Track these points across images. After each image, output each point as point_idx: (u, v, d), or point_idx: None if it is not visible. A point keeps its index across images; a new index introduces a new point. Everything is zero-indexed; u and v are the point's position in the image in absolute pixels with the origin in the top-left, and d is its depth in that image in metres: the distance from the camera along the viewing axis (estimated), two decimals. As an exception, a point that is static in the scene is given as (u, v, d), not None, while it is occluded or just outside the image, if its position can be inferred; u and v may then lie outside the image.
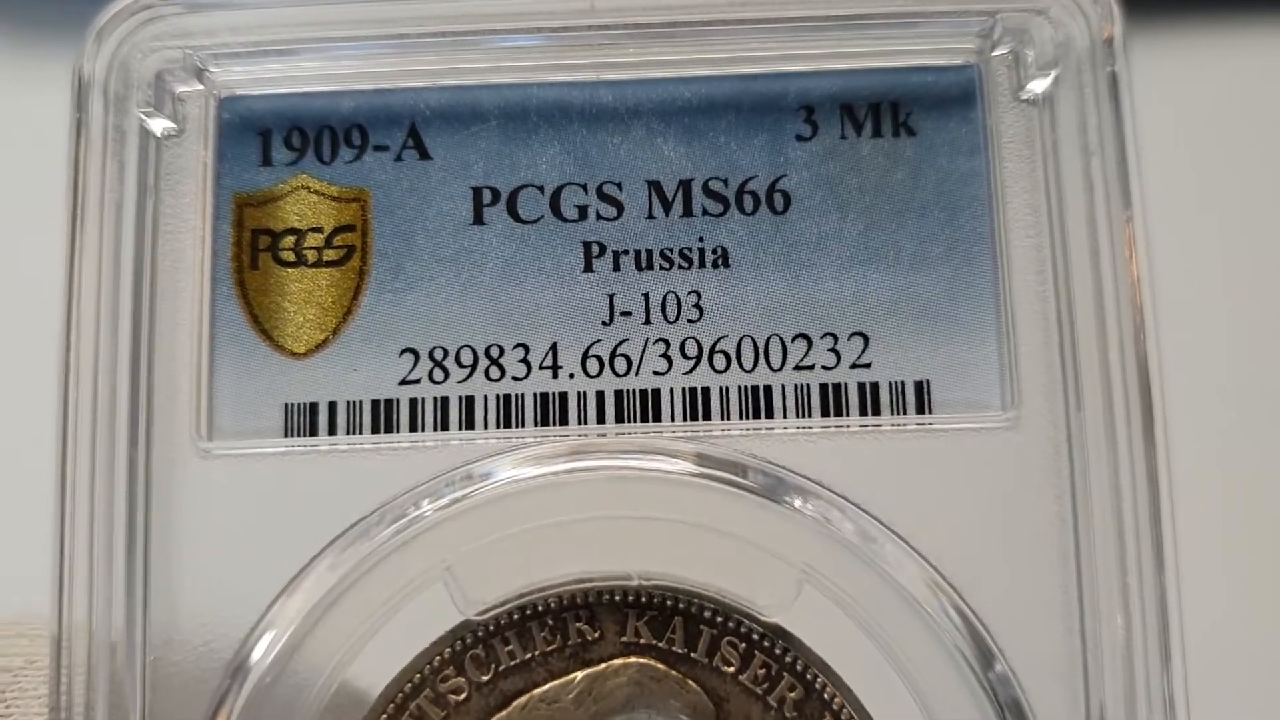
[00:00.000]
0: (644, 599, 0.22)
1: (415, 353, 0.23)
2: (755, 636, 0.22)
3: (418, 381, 0.23)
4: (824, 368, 0.23)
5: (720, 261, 0.23)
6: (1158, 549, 0.22)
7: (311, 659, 0.22)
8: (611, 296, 0.23)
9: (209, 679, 0.22)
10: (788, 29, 0.23)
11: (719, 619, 0.22)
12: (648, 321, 0.23)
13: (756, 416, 0.23)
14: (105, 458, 0.22)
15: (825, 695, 0.22)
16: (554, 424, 0.23)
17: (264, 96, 0.24)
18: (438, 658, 0.22)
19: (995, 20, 0.23)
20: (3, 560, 0.26)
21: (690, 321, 0.23)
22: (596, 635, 0.22)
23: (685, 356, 0.23)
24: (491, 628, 0.22)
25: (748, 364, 0.23)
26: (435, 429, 0.23)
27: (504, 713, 0.22)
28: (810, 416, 0.23)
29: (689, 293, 0.23)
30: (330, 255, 0.23)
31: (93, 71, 0.23)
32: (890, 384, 0.23)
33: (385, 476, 0.23)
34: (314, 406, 0.23)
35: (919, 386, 0.23)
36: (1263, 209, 0.29)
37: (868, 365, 0.23)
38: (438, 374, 0.23)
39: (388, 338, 0.23)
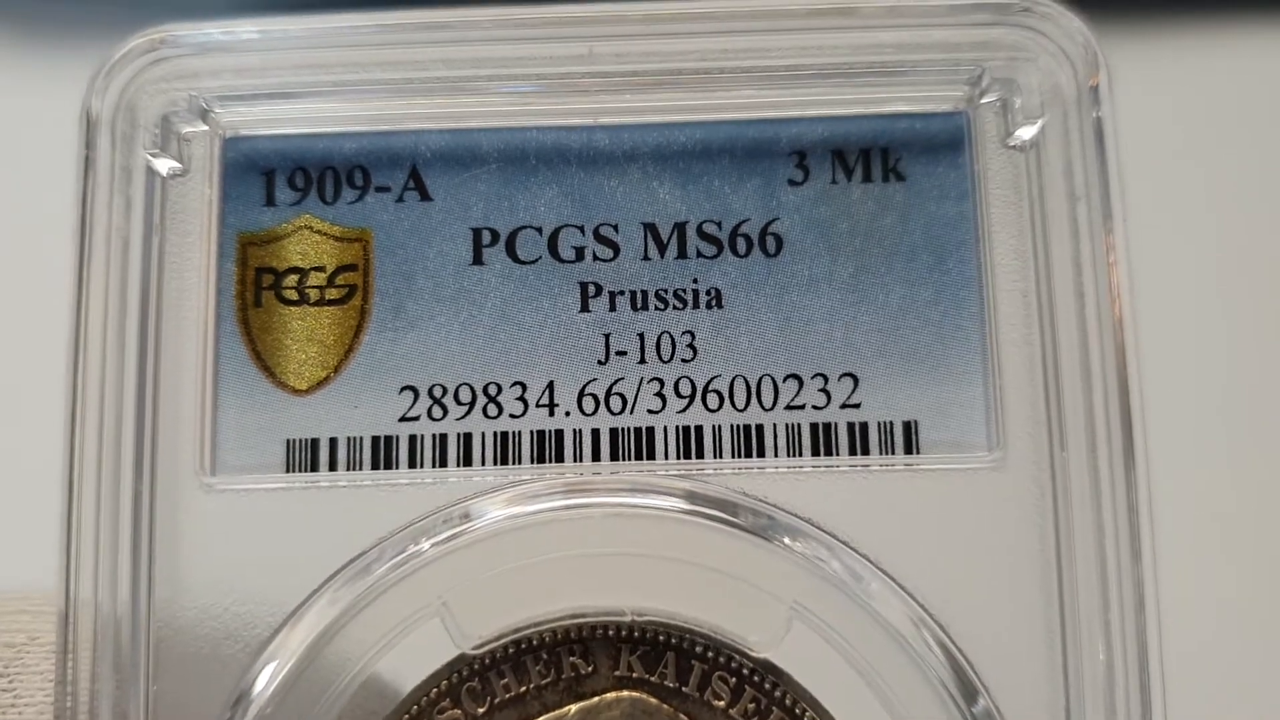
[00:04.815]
0: (637, 634, 0.23)
1: (415, 390, 0.23)
2: (745, 671, 0.23)
3: (417, 418, 0.23)
4: (814, 407, 0.23)
5: (714, 302, 0.24)
6: (1138, 587, 0.22)
7: (311, 690, 0.23)
8: (607, 336, 0.24)
9: (210, 710, 0.23)
10: (781, 78, 0.24)
11: (710, 654, 0.23)
12: (642, 361, 0.24)
13: (748, 455, 0.23)
14: (110, 492, 0.23)
15: (813, 729, 0.22)
16: (550, 461, 0.23)
17: (268, 137, 0.24)
18: (434, 690, 0.23)
19: (983, 69, 0.24)
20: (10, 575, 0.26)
21: (684, 361, 0.23)
22: (590, 669, 0.23)
23: (679, 395, 0.23)
24: (487, 661, 0.23)
25: (740, 403, 0.23)
26: (434, 465, 0.23)
27: (499, 744, 0.23)
28: (801, 455, 0.23)
29: (683, 333, 0.24)
30: (332, 294, 0.24)
31: (100, 111, 0.24)
32: (879, 424, 0.23)
33: (385, 512, 0.23)
34: (315, 442, 0.23)
35: (907, 427, 0.23)
36: (1247, 254, 0.29)
37: (857, 405, 0.23)
38: (436, 411, 0.23)
39: (388, 375, 0.24)
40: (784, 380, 0.23)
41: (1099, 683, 0.22)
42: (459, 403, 0.23)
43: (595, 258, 0.24)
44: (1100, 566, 0.22)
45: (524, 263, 0.24)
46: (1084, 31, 0.23)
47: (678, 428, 0.23)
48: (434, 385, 0.23)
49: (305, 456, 0.23)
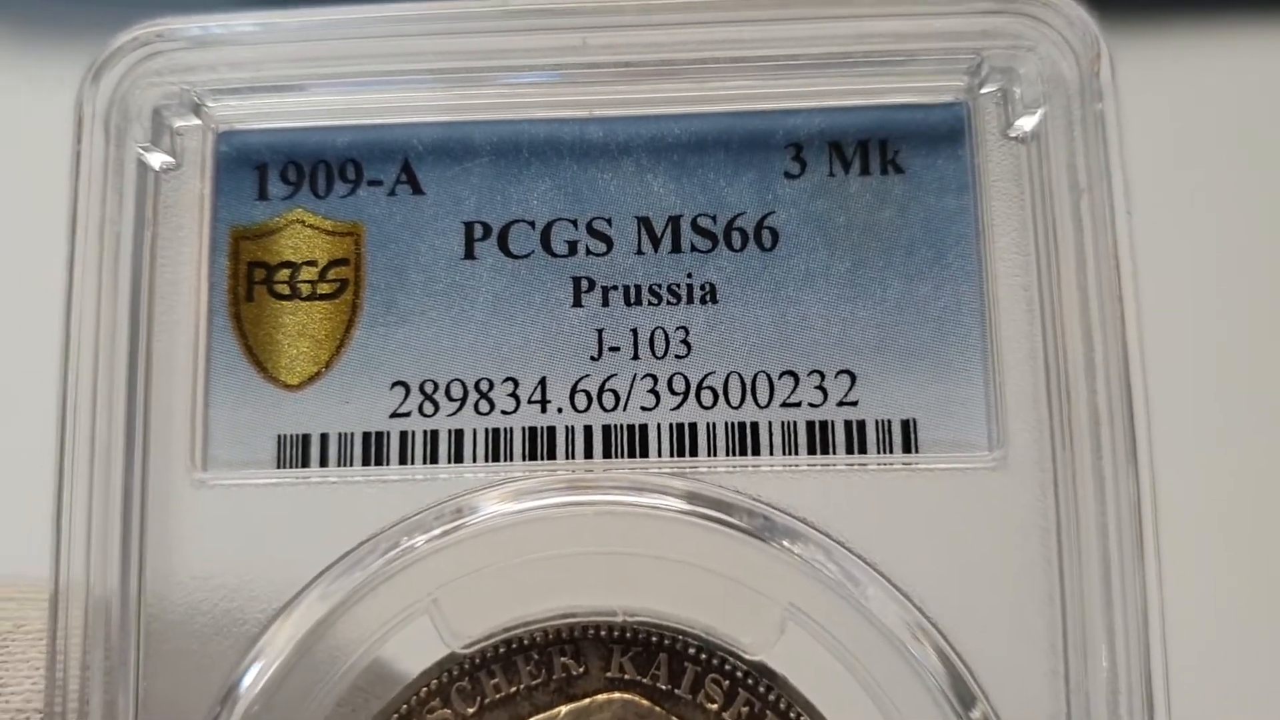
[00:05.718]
0: (629, 635, 0.22)
1: (406, 386, 0.23)
2: (739, 674, 0.22)
3: (408, 414, 0.23)
4: (811, 405, 0.23)
5: (708, 297, 0.23)
6: (1143, 591, 0.21)
7: (300, 687, 0.23)
8: (600, 331, 0.23)
9: (199, 705, 0.23)
10: (777, 68, 0.23)
11: (703, 656, 0.22)
12: (636, 357, 0.23)
13: (743, 453, 0.23)
14: (101, 487, 0.23)
15: (807, 733, 0.22)
16: (542, 458, 0.23)
17: (261, 131, 0.24)
18: (424, 689, 0.22)
19: (983, 58, 0.23)
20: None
21: (678, 357, 0.23)
22: (581, 670, 0.22)
23: (673, 392, 0.23)
24: (477, 661, 0.22)
25: (735, 400, 0.23)
26: (424, 462, 0.23)
27: (489, 745, 0.22)
28: (797, 454, 0.23)
29: (677, 328, 0.23)
30: (324, 288, 0.24)
31: (93, 105, 0.24)
32: (877, 422, 0.23)
33: (375, 508, 0.23)
34: (306, 438, 0.23)
35: (905, 425, 0.23)
36: (1252, 247, 0.29)
37: (854, 403, 0.23)
38: (428, 407, 0.23)
39: (379, 370, 0.23)
40: (780, 377, 0.23)
41: (1101, 690, 0.21)
42: (450, 399, 0.23)
43: (588, 252, 0.23)
44: (1104, 569, 0.22)
45: (516, 257, 0.23)
46: (1085, 19, 0.22)
47: (671, 425, 0.23)
48: (425, 381, 0.23)
49: (296, 452, 0.23)
